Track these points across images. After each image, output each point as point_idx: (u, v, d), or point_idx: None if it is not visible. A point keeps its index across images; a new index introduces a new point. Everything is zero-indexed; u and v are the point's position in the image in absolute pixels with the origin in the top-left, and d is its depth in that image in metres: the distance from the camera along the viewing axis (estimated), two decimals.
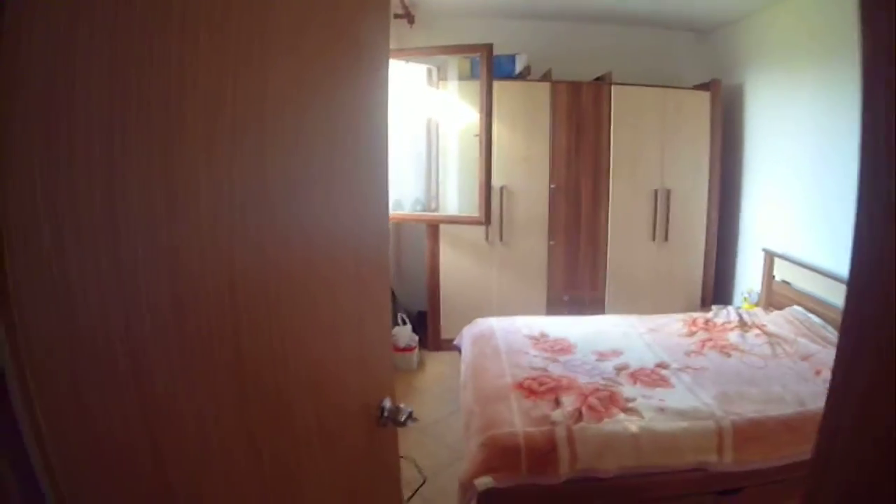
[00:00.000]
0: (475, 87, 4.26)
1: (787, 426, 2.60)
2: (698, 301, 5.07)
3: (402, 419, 1.48)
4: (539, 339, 3.63)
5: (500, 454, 2.44)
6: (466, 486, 2.42)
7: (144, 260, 0.76)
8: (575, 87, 4.79)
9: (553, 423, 2.55)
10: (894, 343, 0.68)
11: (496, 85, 4.21)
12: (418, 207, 4.72)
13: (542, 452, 2.44)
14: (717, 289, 5.18)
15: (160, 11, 0.77)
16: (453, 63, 4.66)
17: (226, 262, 0.94)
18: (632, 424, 2.56)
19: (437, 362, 4.73)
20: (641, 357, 3.31)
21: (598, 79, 4.91)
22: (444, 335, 4.87)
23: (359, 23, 1.37)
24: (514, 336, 3.68)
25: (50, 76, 0.64)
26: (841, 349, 0.79)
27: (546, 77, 4.86)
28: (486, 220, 4.21)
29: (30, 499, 0.64)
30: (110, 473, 0.75)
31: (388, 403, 1.50)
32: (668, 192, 4.86)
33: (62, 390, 0.67)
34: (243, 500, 1.03)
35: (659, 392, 2.86)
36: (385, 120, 1.55)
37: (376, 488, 1.61)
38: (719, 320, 3.98)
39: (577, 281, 5.03)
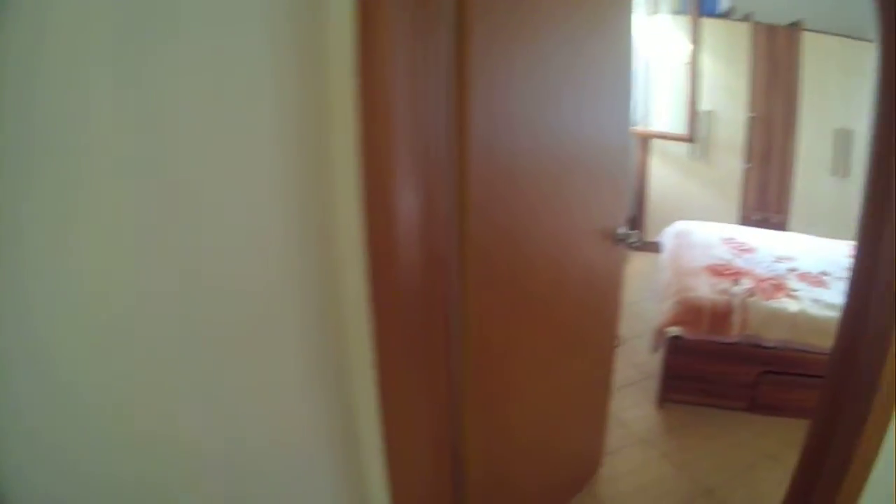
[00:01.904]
0: (683, 20, 4.98)
1: None
2: None
3: (631, 241, 2.26)
4: (728, 241, 4.30)
5: (687, 311, 3.28)
6: (660, 333, 3.32)
7: (526, 128, 1.68)
8: (771, 29, 5.27)
9: (731, 295, 3.33)
10: None
11: (703, 21, 4.89)
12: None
13: (721, 315, 3.24)
14: None
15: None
16: None
17: (557, 141, 1.84)
18: (792, 305, 3.28)
19: (637, 260, 5.47)
20: (810, 265, 3.92)
21: (792, 24, 5.36)
22: (646, 238, 5.63)
23: None
24: (708, 235, 4.39)
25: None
26: None
27: (747, 18, 5.35)
28: (692, 138, 4.94)
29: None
30: (488, 216, 1.63)
31: (621, 230, 2.27)
32: (849, 133, 5.27)
33: (485, 174, 1.56)
34: (549, 268, 1.95)
35: (819, 290, 3.52)
36: (630, 47, 2.18)
37: (609, 284, 2.44)
38: None
39: (766, 203, 5.60)
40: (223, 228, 1.26)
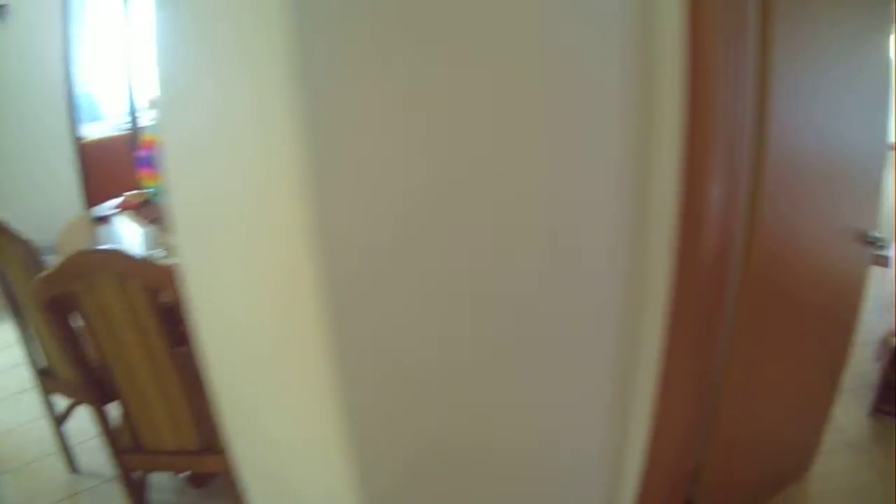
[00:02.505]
0: None
1: None
2: None
3: (881, 243, 2.33)
4: None
5: None
6: (885, 342, 3.46)
7: (802, 133, 1.80)
8: None
9: None
10: None
11: None
12: None
13: None
14: None
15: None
16: None
17: (824, 144, 1.95)
18: None
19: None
20: None
21: None
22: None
23: None
24: None
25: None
26: None
27: None
28: None
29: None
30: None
31: (871, 232, 2.33)
32: None
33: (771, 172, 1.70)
34: (800, 263, 2.10)
35: None
36: (888, 58, 2.11)
37: (854, 285, 2.54)
38: None
39: None
40: (575, 199, 1.51)
